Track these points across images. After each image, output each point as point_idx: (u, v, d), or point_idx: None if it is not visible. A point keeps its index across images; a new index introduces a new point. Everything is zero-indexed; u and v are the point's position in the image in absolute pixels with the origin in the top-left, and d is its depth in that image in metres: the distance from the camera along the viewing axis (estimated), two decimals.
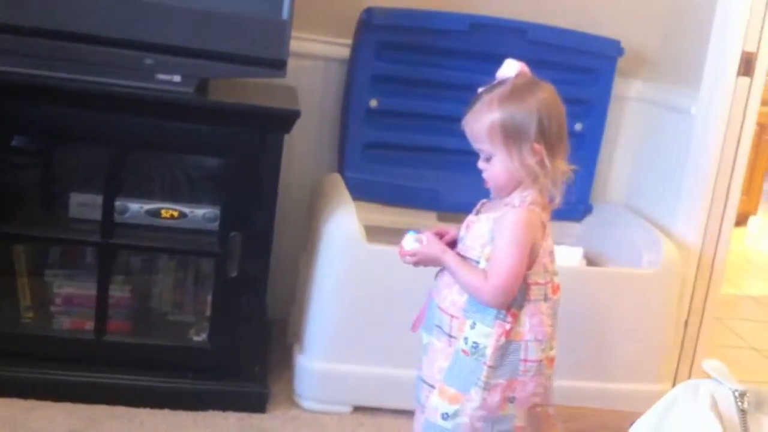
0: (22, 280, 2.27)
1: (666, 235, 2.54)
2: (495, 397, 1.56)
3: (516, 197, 1.58)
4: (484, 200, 1.70)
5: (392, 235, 2.53)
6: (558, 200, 1.60)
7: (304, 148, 2.67)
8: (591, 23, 2.71)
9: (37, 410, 2.09)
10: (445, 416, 1.57)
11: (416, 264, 1.67)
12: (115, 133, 2.11)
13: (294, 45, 2.14)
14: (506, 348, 1.57)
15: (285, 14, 2.07)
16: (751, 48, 2.48)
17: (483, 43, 2.58)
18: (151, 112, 2.09)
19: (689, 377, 2.62)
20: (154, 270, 2.40)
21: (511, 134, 1.54)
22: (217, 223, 2.21)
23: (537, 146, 1.54)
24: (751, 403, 0.95)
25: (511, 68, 1.61)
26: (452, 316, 1.60)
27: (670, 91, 2.74)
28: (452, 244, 1.66)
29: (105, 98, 2.04)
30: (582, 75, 2.72)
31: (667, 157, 2.70)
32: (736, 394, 0.95)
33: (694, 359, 2.67)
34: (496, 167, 1.58)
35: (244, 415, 2.20)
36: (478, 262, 1.58)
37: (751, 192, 5.26)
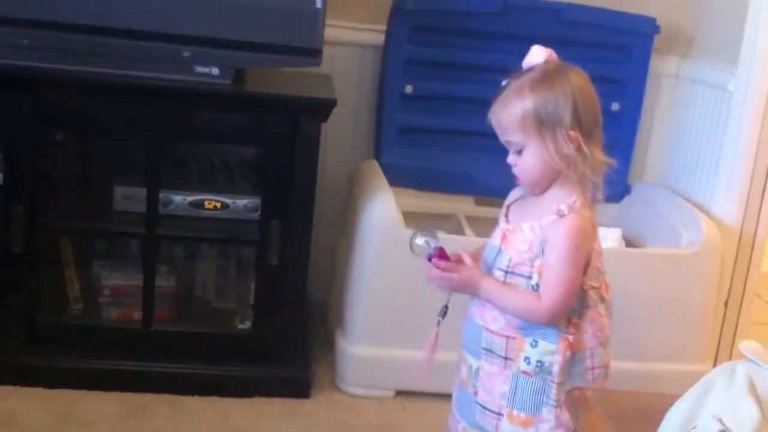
0: (69, 272, 2.32)
1: (705, 213, 2.52)
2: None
3: (561, 199, 1.46)
4: (509, 201, 1.59)
5: (431, 220, 2.55)
6: (600, 194, 1.49)
7: (341, 134, 2.69)
8: (626, 1, 2.68)
9: (87, 399, 2.15)
10: None
11: (451, 290, 1.56)
12: (157, 126, 2.14)
13: (329, 33, 2.16)
14: (572, 360, 1.50)
15: (319, 3, 2.09)
16: None
17: (517, 25, 2.57)
18: (190, 104, 2.13)
19: (730, 357, 2.61)
20: (198, 259, 2.44)
21: (545, 121, 1.43)
22: (258, 213, 2.25)
23: (573, 133, 1.43)
24: None
25: (539, 54, 1.50)
26: (508, 337, 1.50)
27: (707, 67, 2.71)
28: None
29: (145, 91, 2.08)
30: (618, 54, 2.70)
31: (705, 134, 2.68)
32: None
33: (735, 338, 2.65)
34: (529, 160, 1.47)
35: (288, 400, 2.24)
36: (530, 277, 1.47)
37: None
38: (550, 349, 1.48)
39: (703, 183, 2.66)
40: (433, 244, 1.56)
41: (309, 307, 2.61)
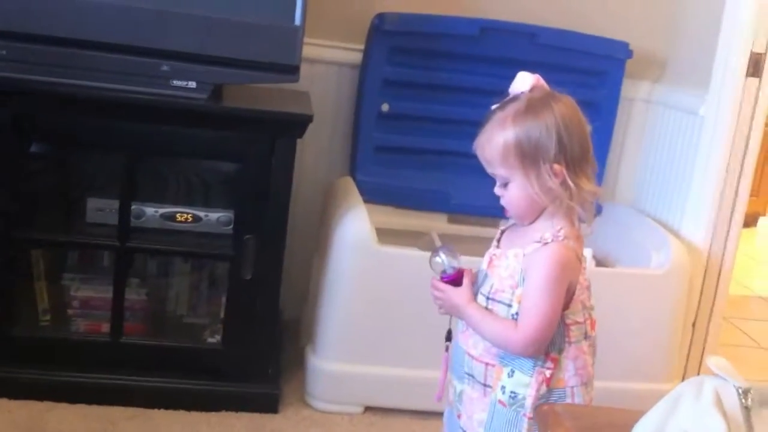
0: (39, 284, 2.30)
1: (674, 235, 2.56)
2: None
3: (547, 229, 1.42)
4: (504, 226, 1.56)
5: (403, 237, 2.57)
6: (590, 227, 1.47)
7: (317, 151, 2.70)
8: (600, 26, 2.73)
9: (54, 412, 2.12)
10: None
11: (441, 308, 1.54)
12: (131, 139, 2.14)
13: (307, 51, 2.17)
14: (548, 396, 1.45)
15: (297, 20, 2.10)
16: (759, 49, 2.49)
17: (493, 47, 2.61)
18: (166, 119, 2.12)
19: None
20: (170, 273, 2.43)
21: (528, 155, 1.38)
22: (231, 227, 2.25)
23: (557, 167, 1.39)
24: (755, 400, 0.96)
25: (524, 82, 1.44)
26: (487, 364, 1.47)
27: (678, 92, 2.76)
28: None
29: (122, 105, 2.08)
30: (591, 77, 2.74)
31: (676, 158, 2.72)
32: (740, 390, 0.96)
33: (702, 359, 2.68)
34: (514, 193, 1.43)
35: (256, 415, 2.23)
36: (510, 306, 1.44)
37: (760, 193, 5.26)
38: (524, 381, 1.44)
39: (673, 206, 2.70)
40: (452, 264, 1.53)
41: (282, 323, 2.61)
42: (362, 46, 2.61)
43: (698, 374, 2.65)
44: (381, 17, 2.53)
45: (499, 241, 1.53)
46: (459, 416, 1.54)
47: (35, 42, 2.02)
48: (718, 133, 2.54)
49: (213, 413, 2.21)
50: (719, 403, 0.94)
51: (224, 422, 2.19)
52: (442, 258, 1.53)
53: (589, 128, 1.45)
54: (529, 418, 1.43)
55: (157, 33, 2.06)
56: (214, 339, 2.33)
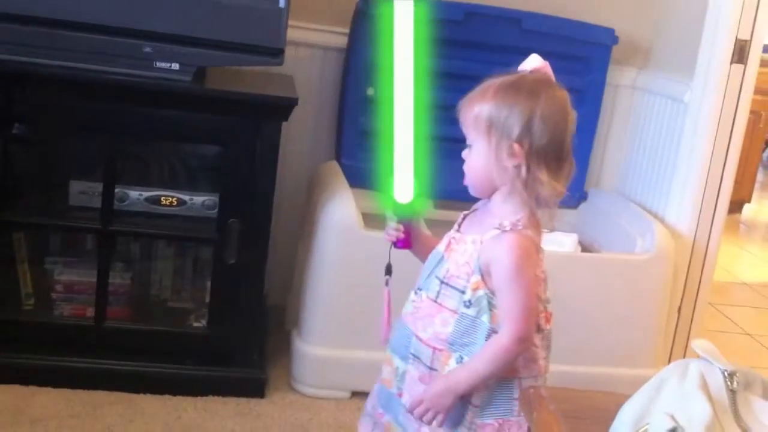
0: (22, 268, 2.29)
1: (659, 221, 2.57)
2: None
3: (506, 216, 1.41)
4: (466, 212, 1.53)
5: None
6: (551, 223, 1.44)
7: (302, 136, 2.69)
8: (585, 12, 2.72)
9: (37, 396, 2.12)
10: None
11: (437, 415, 1.43)
12: (115, 122, 2.13)
13: (292, 34, 2.16)
14: (496, 386, 1.43)
15: (282, 2, 2.08)
16: (744, 36, 2.50)
17: (478, 33, 2.60)
18: (149, 101, 2.11)
19: None
20: (154, 257, 2.42)
21: (495, 127, 1.38)
22: (216, 211, 2.23)
23: (517, 147, 1.37)
24: (740, 382, 0.97)
25: (531, 63, 1.45)
26: (435, 349, 1.44)
27: (663, 78, 2.76)
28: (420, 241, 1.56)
29: (105, 86, 2.06)
30: (576, 63, 2.74)
31: (661, 144, 2.72)
32: (726, 373, 0.96)
33: (687, 344, 2.69)
34: (474, 159, 1.43)
35: (242, 400, 2.23)
36: (463, 292, 1.42)
37: (745, 179, 5.28)
38: None
39: (657, 192, 2.71)
40: (395, 226, 1.55)
41: (267, 308, 2.60)
42: (347, 30, 2.60)
43: (684, 359, 2.68)
44: (366, 1, 2.52)
45: (460, 225, 1.51)
46: (400, 395, 1.51)
47: (15, 22, 2.00)
48: (702, 120, 2.55)
49: (198, 398, 2.21)
50: (705, 386, 0.95)
51: (210, 407, 2.19)
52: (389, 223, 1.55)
53: (572, 128, 1.42)
54: (474, 406, 1.43)
55: (140, 14, 2.04)
56: (199, 323, 2.32)
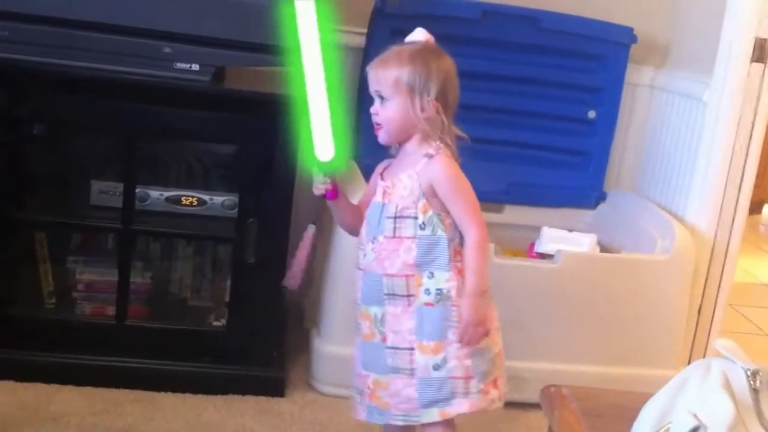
0: (44, 267, 2.31)
1: (679, 221, 2.56)
2: None
3: (425, 149, 1.66)
4: (381, 169, 1.76)
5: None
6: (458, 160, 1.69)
7: None
8: (603, 11, 2.72)
9: (58, 394, 2.13)
10: (436, 367, 1.64)
11: (482, 337, 1.66)
12: (136, 122, 2.14)
13: None
14: (464, 285, 1.65)
15: None
16: (764, 34, 2.48)
17: (495, 31, 2.59)
18: (169, 101, 2.12)
19: None
20: (174, 257, 2.43)
21: (415, 86, 1.64)
22: (235, 210, 2.25)
23: (435, 103, 1.64)
24: (763, 382, 0.97)
25: (420, 34, 1.72)
26: (407, 276, 1.65)
27: (682, 77, 2.75)
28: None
29: (125, 87, 2.07)
30: (594, 62, 2.74)
31: (680, 143, 2.71)
32: (749, 372, 0.96)
33: (707, 345, 2.68)
34: (392, 111, 1.66)
35: (262, 398, 2.24)
36: (416, 218, 1.64)
37: (765, 180, 5.23)
38: (445, 277, 1.64)
39: (677, 192, 2.69)
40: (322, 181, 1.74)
41: (286, 306, 2.60)
42: (365, 30, 2.60)
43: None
44: (384, 1, 2.52)
45: (382, 177, 1.72)
46: (384, 339, 1.68)
47: (36, 23, 2.02)
48: (722, 119, 2.53)
49: (218, 396, 2.22)
50: (727, 384, 0.95)
51: (230, 405, 2.20)
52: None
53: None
54: (456, 306, 1.63)
55: (161, 15, 2.05)
56: (219, 322, 2.33)
